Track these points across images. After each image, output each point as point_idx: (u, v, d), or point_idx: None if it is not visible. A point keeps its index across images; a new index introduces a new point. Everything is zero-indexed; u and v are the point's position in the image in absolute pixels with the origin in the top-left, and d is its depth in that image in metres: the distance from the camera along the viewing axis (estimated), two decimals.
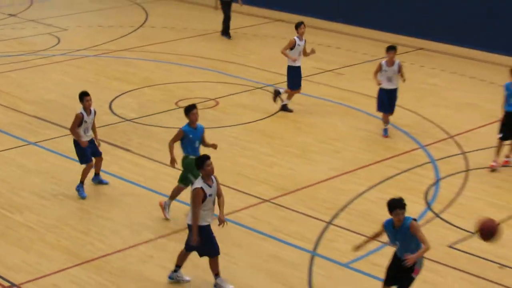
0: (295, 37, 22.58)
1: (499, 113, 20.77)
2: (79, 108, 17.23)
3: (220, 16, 31.90)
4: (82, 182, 17.53)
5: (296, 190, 18.26)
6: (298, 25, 22.85)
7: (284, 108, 23.00)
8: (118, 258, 15.35)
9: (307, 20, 31.52)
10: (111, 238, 16.09)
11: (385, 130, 21.07)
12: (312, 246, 15.90)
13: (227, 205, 17.26)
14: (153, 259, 15.38)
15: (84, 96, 17.52)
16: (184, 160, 16.65)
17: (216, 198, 14.06)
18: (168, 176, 18.83)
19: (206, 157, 13.85)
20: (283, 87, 22.68)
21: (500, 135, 18.96)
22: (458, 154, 20.25)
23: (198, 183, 13.58)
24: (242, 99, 23.89)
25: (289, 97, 23.09)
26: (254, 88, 24.85)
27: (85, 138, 17.35)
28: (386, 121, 21.07)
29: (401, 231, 12.36)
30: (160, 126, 21.81)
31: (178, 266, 14.31)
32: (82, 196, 17.47)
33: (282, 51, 22.76)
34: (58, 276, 14.73)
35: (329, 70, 26.62)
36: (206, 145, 16.80)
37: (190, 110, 16.66)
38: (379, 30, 30.41)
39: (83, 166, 17.46)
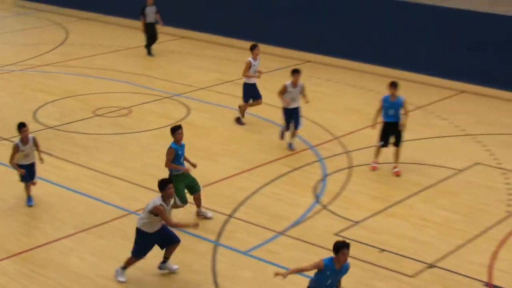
0: (250, 58, 22.32)
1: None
2: (7, 117, 16.89)
3: (135, 34, 32.07)
4: (28, 195, 17.12)
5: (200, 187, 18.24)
6: (252, 48, 22.52)
7: (238, 121, 22.71)
8: (42, 251, 15.22)
9: (208, 37, 31.70)
10: (35, 233, 15.96)
11: (290, 144, 20.58)
12: (215, 237, 15.94)
13: (138, 202, 17.34)
14: (73, 251, 15.27)
15: (21, 127, 16.62)
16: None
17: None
18: (87, 177, 18.79)
19: (169, 181, 13.88)
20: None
21: (381, 143, 19.18)
22: (342, 153, 20.47)
23: (158, 200, 13.58)
24: (152, 108, 23.82)
25: (242, 111, 22.78)
26: (163, 97, 24.77)
27: (25, 162, 16.67)
28: (294, 135, 20.63)
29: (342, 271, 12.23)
30: (80, 133, 21.60)
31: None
32: (29, 205, 17.06)
33: (243, 74, 22.52)
34: None
35: (229, 81, 26.63)
36: (186, 160, 16.70)
37: (175, 130, 16.40)
38: (273, 45, 30.45)
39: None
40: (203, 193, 17.45)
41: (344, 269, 12.14)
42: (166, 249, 14.19)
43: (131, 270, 14.17)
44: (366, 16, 29.21)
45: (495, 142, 21.37)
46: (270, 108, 23.73)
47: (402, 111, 18.95)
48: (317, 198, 17.79)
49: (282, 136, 20.75)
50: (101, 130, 21.90)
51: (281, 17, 31.16)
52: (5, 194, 17.81)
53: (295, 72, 19.98)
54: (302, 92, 20.22)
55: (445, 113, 23.85)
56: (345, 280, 14.31)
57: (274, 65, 28.63)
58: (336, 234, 15.83)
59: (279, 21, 31.16)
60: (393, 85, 18.93)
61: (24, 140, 16.48)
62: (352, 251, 14.93)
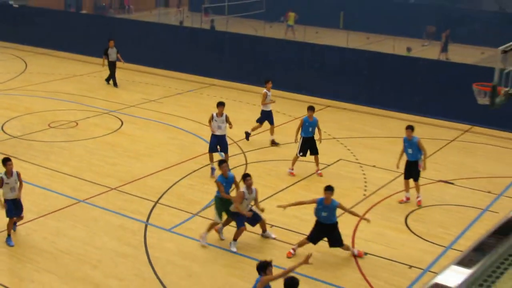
0: (265, 90, 21.11)
1: (267, 126, 21.17)
2: None
3: (79, 65, 31.54)
4: (8, 235, 14.57)
5: (132, 181, 18.01)
6: (267, 81, 21.25)
7: (273, 142, 21.32)
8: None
9: (134, 66, 31.29)
10: (3, 218, 15.39)
11: (213, 169, 18.46)
12: (145, 218, 15.74)
13: (85, 193, 16.95)
14: (36, 232, 14.92)
15: (6, 161, 14.44)
16: (217, 201, 14.61)
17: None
18: (44, 174, 18.34)
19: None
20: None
21: (300, 154, 18.86)
22: (240, 153, 20.42)
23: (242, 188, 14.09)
24: (94, 121, 23.38)
25: (254, 129, 21.55)
26: (102, 113, 24.35)
27: (11, 196, 14.41)
28: (212, 160, 18.70)
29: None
30: (38, 141, 21.08)
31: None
32: (10, 245, 14.39)
33: (261, 103, 21.33)
34: None
35: (152, 100, 26.33)
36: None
37: (220, 164, 14.75)
38: (181, 72, 30.31)
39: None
40: (133, 185, 17.20)
41: (332, 204, 13.99)
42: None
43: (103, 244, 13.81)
44: (252, 50, 29.43)
45: (353, 144, 21.62)
46: (185, 121, 23.58)
47: (316, 129, 18.81)
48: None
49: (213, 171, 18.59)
50: (55, 138, 21.44)
51: (194, 51, 31.06)
52: None
53: (220, 104, 18.54)
54: (227, 121, 18.61)
55: None
56: (243, 249, 14.30)
57: (185, 87, 28.44)
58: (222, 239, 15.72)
59: (194, 53, 31.04)
60: (310, 109, 19.09)
61: (8, 174, 14.55)
62: (249, 227, 14.97)
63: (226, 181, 14.48)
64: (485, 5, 42.38)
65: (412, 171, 16.84)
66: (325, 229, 14.13)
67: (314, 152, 18.94)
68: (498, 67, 15.58)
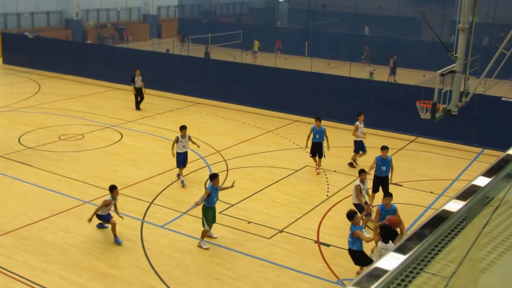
0: (357, 122, 20.03)
1: (245, 138, 21.16)
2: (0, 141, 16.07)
3: (85, 87, 31.41)
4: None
5: (131, 185, 17.91)
6: (359, 114, 20.26)
7: (351, 165, 20.38)
8: (26, 229, 14.64)
9: (130, 88, 31.24)
10: (21, 217, 15.31)
11: (183, 182, 18.09)
12: (142, 216, 15.66)
13: (90, 195, 16.81)
14: (47, 229, 14.75)
15: (113, 189, 14.49)
16: (204, 209, 14.10)
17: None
18: (55, 179, 18.16)
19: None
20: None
21: (310, 155, 19.52)
22: (222, 161, 20.39)
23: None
24: (98, 134, 23.24)
25: (353, 158, 20.47)
26: (105, 127, 24.22)
27: (105, 212, 14.38)
28: (181, 174, 18.32)
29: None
30: (49, 151, 20.88)
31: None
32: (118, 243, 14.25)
33: (353, 134, 20.10)
34: None
35: (147, 116, 26.27)
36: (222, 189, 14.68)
37: (214, 177, 14.07)
38: (171, 92, 30.23)
39: None
40: (132, 188, 17.14)
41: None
42: None
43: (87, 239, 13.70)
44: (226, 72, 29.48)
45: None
46: (175, 134, 23.55)
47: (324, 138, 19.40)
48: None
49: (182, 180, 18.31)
50: (64, 149, 21.25)
51: (183, 74, 31.01)
52: None
53: (182, 128, 18.17)
54: (190, 140, 18.26)
55: (286, 134, 24.08)
56: (224, 241, 14.30)
57: (177, 105, 28.39)
58: (220, 213, 15.70)
59: (182, 76, 30.98)
60: (318, 119, 19.50)
61: (113, 197, 14.39)
62: (229, 223, 15.01)
63: (215, 192, 14.05)
64: (424, 36, 42.92)
65: (383, 185, 16.31)
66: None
67: (320, 155, 19.45)
68: (437, 87, 15.73)
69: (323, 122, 19.88)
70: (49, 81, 33.88)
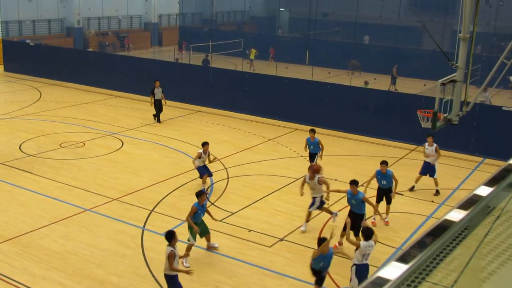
0: (426, 144, 18.73)
1: (245, 146, 21.19)
2: (1, 148, 15.87)
3: (86, 94, 31.41)
4: None
5: (131, 192, 17.92)
6: (429, 135, 18.53)
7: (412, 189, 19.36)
8: (27, 237, 14.65)
9: (131, 95, 31.24)
10: (22, 225, 15.31)
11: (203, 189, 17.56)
12: (142, 224, 15.66)
13: (91, 203, 16.83)
14: (48, 236, 14.75)
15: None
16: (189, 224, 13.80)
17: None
18: (55, 187, 18.16)
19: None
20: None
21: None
22: (223, 169, 20.40)
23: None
24: (99, 142, 23.27)
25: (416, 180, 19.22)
26: (105, 135, 24.26)
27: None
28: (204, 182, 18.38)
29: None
30: (50, 158, 20.91)
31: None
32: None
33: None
34: None
35: (148, 124, 26.30)
36: (208, 212, 14.30)
37: (200, 195, 13.75)
38: (172, 100, 30.30)
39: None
40: (132, 196, 17.15)
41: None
42: None
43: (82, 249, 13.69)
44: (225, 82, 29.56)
45: (317, 161, 21.64)
46: (176, 142, 23.55)
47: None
48: (207, 198, 17.62)
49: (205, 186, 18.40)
50: (65, 156, 21.28)
51: (186, 83, 31.09)
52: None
53: (205, 144, 18.21)
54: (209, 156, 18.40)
55: (286, 142, 24.09)
56: (225, 250, 14.30)
57: (177, 113, 28.44)
58: (220, 221, 15.74)
59: (184, 85, 31.04)
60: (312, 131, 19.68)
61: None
62: (230, 231, 15.01)
63: (201, 209, 13.83)
64: (425, 45, 43.02)
65: (386, 196, 16.29)
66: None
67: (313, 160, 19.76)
68: (438, 96, 15.77)
69: (324, 131, 19.94)
70: (50, 89, 33.94)
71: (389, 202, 16.38)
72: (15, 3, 42.75)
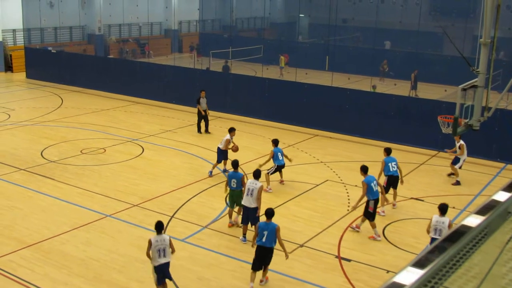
0: (460, 142, 20.01)
1: (265, 152, 21.18)
2: (23, 155, 16.03)
3: (106, 101, 31.70)
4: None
5: (152, 198, 18.01)
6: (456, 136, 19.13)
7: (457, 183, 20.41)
8: (48, 242, 14.79)
9: (152, 102, 31.43)
10: (43, 230, 15.46)
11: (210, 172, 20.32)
12: (163, 230, 15.67)
13: (111, 209, 16.92)
14: (69, 242, 14.87)
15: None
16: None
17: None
18: (77, 193, 18.32)
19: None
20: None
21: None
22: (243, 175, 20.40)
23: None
24: (119, 148, 23.43)
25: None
26: (126, 141, 24.42)
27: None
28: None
29: None
30: (72, 165, 21.10)
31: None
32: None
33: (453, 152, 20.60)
34: (13, 255, 14.07)
35: (168, 130, 26.43)
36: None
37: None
38: (192, 106, 30.42)
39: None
40: (152, 202, 17.23)
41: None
42: None
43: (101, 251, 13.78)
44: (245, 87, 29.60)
45: (337, 167, 21.65)
46: (196, 148, 23.64)
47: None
48: (227, 204, 17.64)
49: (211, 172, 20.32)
50: (86, 163, 21.45)
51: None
52: (21, 205, 17.25)
53: (232, 130, 20.47)
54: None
55: (306, 148, 24.07)
56: (245, 256, 14.29)
57: (190, 120, 28.55)
58: (240, 226, 15.76)
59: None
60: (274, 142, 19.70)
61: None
62: (249, 237, 14.98)
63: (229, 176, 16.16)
64: (446, 51, 42.78)
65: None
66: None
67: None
68: (459, 102, 15.66)
69: (344, 136, 19.92)
70: (72, 95, 34.27)
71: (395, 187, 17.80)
72: (37, 10, 43.24)
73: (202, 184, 19.39)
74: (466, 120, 16.07)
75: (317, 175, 20.59)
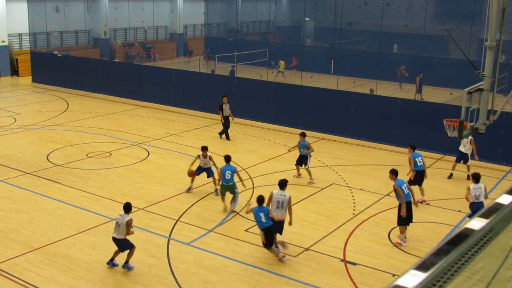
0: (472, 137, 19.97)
1: (271, 155, 21.17)
2: (29, 159, 16.08)
3: (112, 105, 31.71)
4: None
5: (157, 202, 18.04)
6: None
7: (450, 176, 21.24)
8: (54, 246, 14.82)
9: (158, 106, 31.50)
10: (49, 234, 15.50)
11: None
12: (168, 234, 15.73)
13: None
14: (75, 245, 14.91)
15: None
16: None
17: None
18: (82, 197, 18.35)
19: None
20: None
21: (302, 165, 20.33)
22: (247, 178, 20.43)
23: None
24: (125, 152, 23.48)
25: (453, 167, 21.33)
26: (131, 145, 24.47)
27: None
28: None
29: None
30: (77, 168, 21.15)
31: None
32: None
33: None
34: (18, 259, 14.11)
35: (174, 134, 26.47)
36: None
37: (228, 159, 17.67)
38: (197, 110, 30.50)
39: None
40: (157, 206, 17.24)
41: None
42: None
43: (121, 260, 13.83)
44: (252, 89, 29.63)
45: (343, 170, 21.63)
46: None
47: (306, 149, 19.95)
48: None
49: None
50: (92, 166, 21.50)
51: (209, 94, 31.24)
52: (27, 209, 17.30)
53: (204, 149, 18.95)
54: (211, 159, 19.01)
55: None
56: (250, 259, 14.29)
57: (203, 123, 28.60)
58: (246, 230, 15.78)
59: (209, 95, 31.20)
60: (302, 134, 20.26)
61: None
62: (255, 241, 14.99)
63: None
64: (451, 54, 42.75)
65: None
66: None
67: (305, 165, 20.29)
68: (465, 105, 15.63)
69: (350, 140, 19.96)
70: (77, 99, 34.38)
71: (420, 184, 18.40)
72: (43, 14, 43.43)
73: (207, 188, 19.39)
74: (472, 124, 16.05)
75: (323, 179, 20.57)
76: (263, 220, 13.96)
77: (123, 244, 13.75)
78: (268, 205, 14.42)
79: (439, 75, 39.03)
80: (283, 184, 14.69)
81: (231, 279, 13.46)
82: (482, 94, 15.68)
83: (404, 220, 15.24)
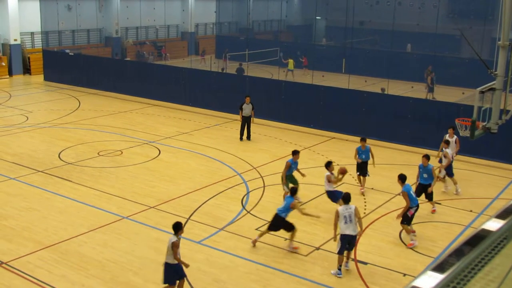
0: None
1: (281, 154, 21.16)
2: (41, 157, 16.20)
3: (123, 103, 31.82)
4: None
5: (168, 200, 18.06)
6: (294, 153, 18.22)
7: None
8: (66, 244, 14.87)
9: (169, 104, 31.55)
10: (61, 232, 15.56)
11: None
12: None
13: (128, 211, 16.99)
14: (86, 243, 14.95)
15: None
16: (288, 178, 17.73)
17: None
18: (94, 195, 18.41)
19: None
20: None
21: (357, 173, 19.63)
22: (258, 177, 20.42)
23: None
24: (136, 150, 23.53)
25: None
26: (143, 143, 24.52)
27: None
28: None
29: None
30: (89, 167, 21.21)
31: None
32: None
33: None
34: (30, 256, 14.17)
35: (185, 133, 26.49)
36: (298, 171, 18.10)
37: (295, 153, 18.04)
38: (208, 109, 30.52)
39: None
40: (169, 204, 17.27)
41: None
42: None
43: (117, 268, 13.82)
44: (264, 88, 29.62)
45: (354, 169, 21.39)
46: (212, 150, 23.68)
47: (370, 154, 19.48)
48: (243, 206, 17.70)
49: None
50: (103, 165, 21.56)
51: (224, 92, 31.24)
52: (39, 207, 17.36)
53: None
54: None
55: (323, 151, 24.03)
56: (261, 258, 14.28)
57: (214, 122, 28.62)
58: (256, 229, 15.77)
59: (220, 93, 31.20)
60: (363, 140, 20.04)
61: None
62: (266, 240, 14.99)
63: (294, 164, 17.83)
64: (463, 53, 42.55)
65: (425, 192, 17.38)
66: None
67: (364, 174, 19.48)
68: (477, 105, 15.57)
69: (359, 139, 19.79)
70: (89, 98, 34.50)
71: (430, 198, 17.48)
72: (55, 13, 43.59)
73: (218, 186, 19.41)
74: (484, 123, 15.96)
75: None
76: (281, 207, 14.90)
77: (169, 270, 12.10)
78: (335, 223, 13.76)
79: (451, 75, 38.85)
80: (347, 198, 13.74)
81: (242, 278, 13.45)
82: (494, 94, 15.60)
83: (407, 220, 15.22)
